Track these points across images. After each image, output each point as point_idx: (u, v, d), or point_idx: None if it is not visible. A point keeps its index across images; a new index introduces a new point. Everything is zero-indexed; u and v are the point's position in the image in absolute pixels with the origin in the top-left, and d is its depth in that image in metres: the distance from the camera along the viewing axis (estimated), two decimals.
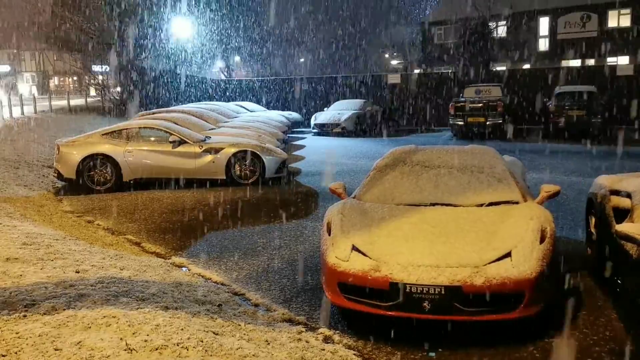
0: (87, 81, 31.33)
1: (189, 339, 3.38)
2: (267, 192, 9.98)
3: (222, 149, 10.66)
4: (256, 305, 4.82)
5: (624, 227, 4.28)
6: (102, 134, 10.77)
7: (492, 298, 3.88)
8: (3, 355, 2.99)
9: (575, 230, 6.77)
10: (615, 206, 5.09)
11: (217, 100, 26.09)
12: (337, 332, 4.22)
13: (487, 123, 17.82)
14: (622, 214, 4.92)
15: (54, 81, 51.72)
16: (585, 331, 4.14)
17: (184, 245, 6.83)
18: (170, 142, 10.63)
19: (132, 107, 24.63)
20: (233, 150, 10.63)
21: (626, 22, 31.18)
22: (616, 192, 5.15)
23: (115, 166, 10.39)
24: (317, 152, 15.55)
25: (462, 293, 3.85)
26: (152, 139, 10.82)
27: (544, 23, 33.75)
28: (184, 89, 27.79)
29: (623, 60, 29.85)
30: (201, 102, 21.40)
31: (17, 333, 3.26)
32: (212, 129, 13.74)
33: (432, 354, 3.90)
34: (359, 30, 57.57)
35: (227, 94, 28.02)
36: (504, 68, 28.16)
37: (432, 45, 36.90)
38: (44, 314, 3.60)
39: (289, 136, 18.76)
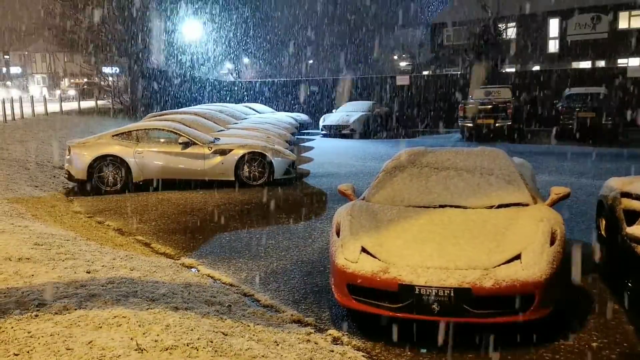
0: (98, 83, 31.57)
1: (198, 339, 3.40)
2: (275, 193, 9.99)
3: (231, 150, 10.70)
4: (265, 306, 4.83)
5: (634, 230, 4.27)
6: (113, 135, 10.84)
7: (501, 300, 3.87)
8: (16, 354, 3.03)
9: (585, 233, 6.73)
10: (625, 208, 5.07)
11: (225, 101, 26.18)
12: (346, 333, 4.23)
13: (497, 125, 17.74)
14: (633, 217, 4.89)
15: (65, 83, 52.18)
16: (595, 334, 4.12)
17: (193, 246, 6.86)
18: (180, 143, 10.68)
19: (142, 108, 24.79)
20: (242, 151, 10.66)
21: (637, 24, 30.94)
22: (627, 195, 5.13)
23: (125, 167, 10.45)
24: (326, 154, 15.56)
25: (472, 295, 3.85)
26: (162, 140, 10.88)
27: (554, 24, 33.56)
28: (192, 91, 27.91)
29: (634, 62, 29.63)
30: (210, 104, 21.48)
31: (29, 332, 3.30)
32: (221, 130, 13.79)
33: (442, 356, 3.90)
34: (368, 31, 57.54)
35: (236, 95, 28.11)
36: (513, 70, 28.05)
37: (441, 46, 36.81)
38: (56, 313, 3.63)
39: (297, 138, 18.79)
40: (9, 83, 48.09)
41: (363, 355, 3.87)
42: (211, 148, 10.73)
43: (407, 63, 55.27)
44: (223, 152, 10.69)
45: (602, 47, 31.20)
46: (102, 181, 10.46)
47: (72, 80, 49.37)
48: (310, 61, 61.50)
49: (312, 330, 4.20)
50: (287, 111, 24.03)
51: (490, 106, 17.97)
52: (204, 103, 24.33)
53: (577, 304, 4.66)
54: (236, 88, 28.84)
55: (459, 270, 3.96)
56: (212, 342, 3.40)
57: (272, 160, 10.62)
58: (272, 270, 5.81)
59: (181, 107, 23.86)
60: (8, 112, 18.43)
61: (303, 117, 22.73)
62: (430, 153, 5.81)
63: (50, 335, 3.25)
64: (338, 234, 4.66)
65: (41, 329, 3.35)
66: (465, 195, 5.08)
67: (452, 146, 15.49)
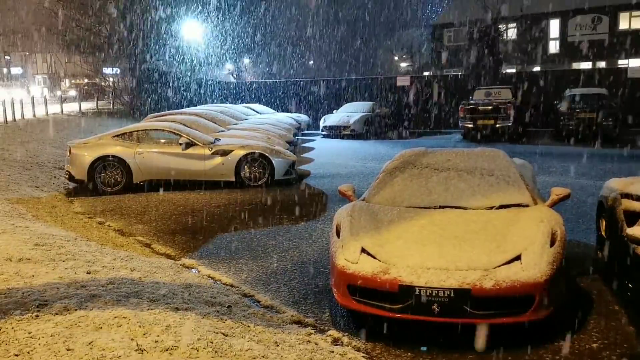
0: (99, 84, 31.62)
1: (199, 340, 3.40)
2: (276, 194, 10.00)
3: (231, 151, 10.70)
4: (265, 307, 4.83)
5: (635, 231, 4.27)
6: (113, 136, 10.85)
7: (501, 301, 3.87)
8: (16, 355, 3.03)
9: (585, 234, 6.74)
10: (626, 209, 5.07)
11: (226, 102, 26.18)
12: (346, 334, 4.23)
13: (497, 125, 17.74)
14: (633, 218, 4.89)
15: (65, 84, 52.23)
16: (596, 335, 4.12)
17: (193, 246, 6.86)
18: (180, 144, 10.69)
19: (142, 109, 24.80)
20: (242, 152, 10.67)
21: (637, 24, 30.94)
22: (627, 196, 5.13)
23: (125, 168, 10.46)
24: (326, 155, 15.56)
25: (472, 296, 3.85)
26: (163, 140, 10.89)
27: (554, 25, 33.56)
28: (193, 91, 27.92)
29: (634, 62, 29.62)
30: (210, 104, 21.50)
31: (29, 333, 3.30)
32: (221, 131, 13.80)
33: (442, 357, 3.90)
34: (369, 32, 57.56)
35: (236, 96, 28.11)
36: (513, 70, 28.04)
37: (441, 47, 36.83)
38: (56, 314, 3.63)
39: (297, 138, 18.80)
40: (8, 84, 48.09)
41: (363, 356, 3.87)
42: (212, 149, 10.73)
43: (408, 64, 55.31)
44: (224, 153, 10.69)
45: (603, 48, 31.18)
46: (102, 182, 10.47)
47: (72, 81, 49.43)
48: (311, 62, 61.51)
49: (313, 331, 4.20)
50: (288, 112, 24.05)
51: (490, 106, 17.97)
52: (204, 104, 24.36)
53: (577, 304, 4.65)
54: (236, 88, 28.85)
55: (459, 271, 3.96)
56: (212, 342, 3.40)
57: (273, 161, 10.62)
58: (273, 271, 5.81)
59: (182, 107, 23.87)
60: (9, 112, 18.43)
61: (303, 117, 22.74)
62: (431, 154, 5.81)
63: (51, 336, 3.26)
64: (338, 234, 4.66)
65: (42, 329, 3.35)
66: (465, 196, 5.08)
67: (452, 147, 15.49)
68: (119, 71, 28.87)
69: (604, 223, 5.67)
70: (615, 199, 5.26)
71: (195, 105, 23.13)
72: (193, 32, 29.71)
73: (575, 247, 6.15)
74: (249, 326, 4.03)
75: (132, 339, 3.30)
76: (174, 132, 10.92)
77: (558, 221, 4.50)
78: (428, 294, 3.90)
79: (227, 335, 3.65)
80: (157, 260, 6.13)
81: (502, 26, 28.99)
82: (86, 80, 41.61)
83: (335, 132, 20.76)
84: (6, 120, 17.91)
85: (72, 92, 37.92)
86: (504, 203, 4.94)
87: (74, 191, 10.73)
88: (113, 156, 10.47)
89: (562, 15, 32.67)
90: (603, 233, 5.75)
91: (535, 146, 16.61)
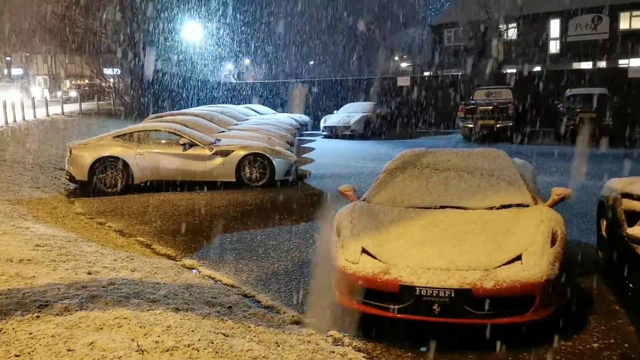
0: (99, 85, 31.66)
1: (199, 340, 3.40)
2: (276, 194, 10.00)
3: (232, 151, 10.71)
4: (266, 307, 4.84)
5: (635, 231, 4.27)
6: (114, 137, 10.86)
7: (502, 301, 3.87)
8: (17, 356, 3.03)
9: (586, 234, 6.73)
10: (626, 209, 5.06)
11: (227, 102, 26.20)
12: (347, 334, 4.22)
13: (497, 125, 17.74)
14: (634, 217, 4.89)
15: (66, 84, 52.23)
16: (596, 334, 4.12)
17: (194, 247, 6.87)
18: (181, 144, 10.70)
19: (143, 110, 24.81)
20: (243, 152, 10.67)
21: (638, 24, 30.91)
22: (628, 195, 5.12)
23: (126, 168, 10.47)
24: (327, 155, 15.56)
25: (472, 296, 3.85)
26: (163, 141, 10.90)
27: (554, 25, 33.53)
28: (194, 92, 27.93)
29: (635, 62, 29.59)
30: (211, 105, 21.50)
31: (30, 334, 3.30)
32: (222, 131, 13.81)
33: (442, 357, 3.90)
34: (369, 32, 57.53)
35: (237, 96, 28.11)
36: (514, 70, 28.03)
37: (442, 47, 36.83)
38: (57, 314, 3.64)
39: (298, 139, 18.80)
40: (8, 85, 48.05)
41: (364, 357, 3.87)
42: (212, 149, 10.74)
43: (408, 64, 55.29)
44: (224, 153, 10.70)
45: (603, 48, 31.15)
46: (103, 182, 10.48)
47: (73, 82, 49.45)
48: (312, 62, 61.49)
49: (313, 331, 4.19)
50: (288, 112, 24.04)
51: (491, 107, 17.97)
52: (205, 104, 24.36)
53: (578, 304, 4.65)
54: (237, 89, 28.85)
55: (460, 271, 3.96)
56: (213, 343, 3.40)
57: (273, 161, 10.62)
58: (273, 272, 5.81)
59: (182, 108, 23.87)
60: (9, 114, 18.43)
61: (304, 118, 22.75)
62: (431, 154, 5.81)
63: (52, 337, 3.26)
64: (338, 234, 4.66)
65: (42, 330, 3.35)
66: (465, 196, 5.07)
67: (452, 147, 15.51)
68: (119, 72, 28.89)
69: (605, 223, 5.66)
70: (616, 199, 5.25)
71: (196, 106, 23.14)
72: (194, 33, 29.71)
73: (575, 247, 6.15)
74: (249, 326, 4.03)
75: (132, 340, 3.30)
76: (174, 133, 10.93)
77: (558, 221, 4.50)
78: (429, 294, 3.90)
79: (227, 336, 3.65)
80: (158, 260, 6.14)
81: (502, 26, 29.00)
82: (87, 81, 41.61)
83: (335, 132, 20.75)
84: (7, 122, 17.91)
85: (73, 93, 37.96)
86: (505, 203, 4.93)
87: (74, 192, 10.74)
88: (114, 157, 10.49)
89: (562, 15, 32.62)
90: (604, 233, 5.75)
91: (536, 146, 16.60)
